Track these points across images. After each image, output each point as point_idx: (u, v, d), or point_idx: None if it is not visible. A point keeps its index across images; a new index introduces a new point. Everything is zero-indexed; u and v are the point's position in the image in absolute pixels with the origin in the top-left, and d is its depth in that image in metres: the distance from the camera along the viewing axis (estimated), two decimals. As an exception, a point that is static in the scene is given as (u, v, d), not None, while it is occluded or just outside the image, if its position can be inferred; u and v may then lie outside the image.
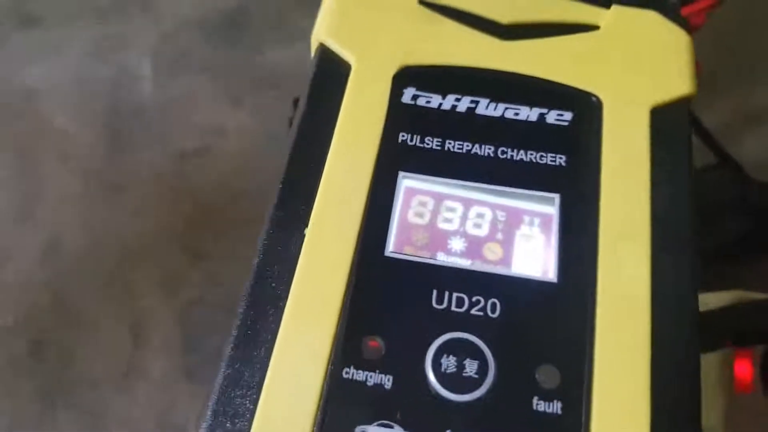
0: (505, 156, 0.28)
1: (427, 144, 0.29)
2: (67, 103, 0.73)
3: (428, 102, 0.30)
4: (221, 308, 0.57)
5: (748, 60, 0.67)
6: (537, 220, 0.27)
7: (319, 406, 0.24)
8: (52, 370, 0.58)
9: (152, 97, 0.72)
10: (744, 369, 0.45)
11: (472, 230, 0.28)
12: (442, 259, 0.27)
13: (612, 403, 0.23)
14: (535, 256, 0.27)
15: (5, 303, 0.60)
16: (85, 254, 0.64)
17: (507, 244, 0.27)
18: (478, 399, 0.24)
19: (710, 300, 0.51)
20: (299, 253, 0.26)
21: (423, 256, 0.27)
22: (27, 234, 0.65)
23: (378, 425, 0.23)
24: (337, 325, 0.25)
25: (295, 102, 0.32)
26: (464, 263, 0.27)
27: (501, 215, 0.28)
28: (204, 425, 0.24)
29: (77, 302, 0.61)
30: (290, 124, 0.31)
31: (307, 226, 0.27)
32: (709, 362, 0.49)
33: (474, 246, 0.27)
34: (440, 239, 0.27)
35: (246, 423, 0.23)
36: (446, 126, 0.29)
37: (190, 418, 0.55)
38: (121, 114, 0.73)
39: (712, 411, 0.48)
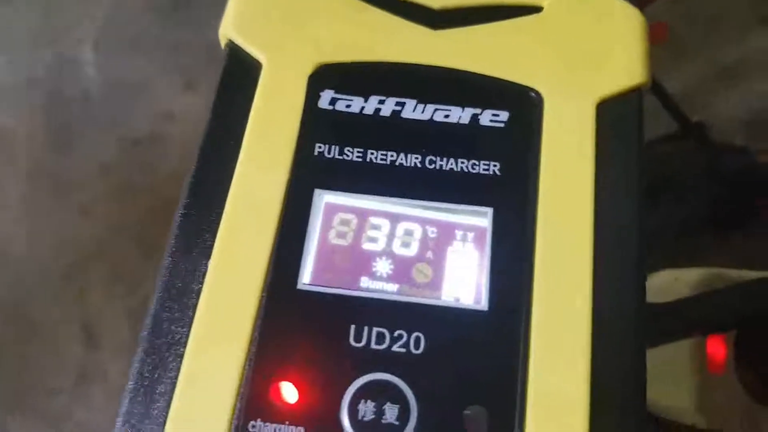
0: (433, 166, 0.25)
1: (347, 156, 0.26)
2: (4, 97, 0.68)
3: (348, 106, 0.26)
4: None
5: (713, 21, 0.63)
6: (470, 238, 0.25)
7: None
8: (6, 379, 0.56)
9: (97, 84, 0.67)
10: (717, 349, 0.44)
11: (399, 250, 0.25)
12: (365, 285, 0.24)
13: None
14: (465, 280, 0.24)
15: None
16: (34, 260, 0.61)
17: (438, 264, 0.25)
18: None
19: (682, 276, 0.49)
20: (202, 285, 0.24)
21: (341, 286, 0.24)
22: None
23: None
24: (243, 371, 0.22)
25: None
26: (390, 289, 0.24)
27: (432, 231, 0.25)
28: None
29: (29, 310, 0.59)
30: None
31: (210, 255, 0.24)
32: (682, 342, 0.47)
33: (402, 268, 0.25)
34: (364, 262, 0.25)
35: None
36: (368, 134, 0.26)
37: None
38: (65, 105, 0.68)
39: (684, 392, 0.47)
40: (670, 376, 0.48)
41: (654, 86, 0.43)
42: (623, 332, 0.23)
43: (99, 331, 0.57)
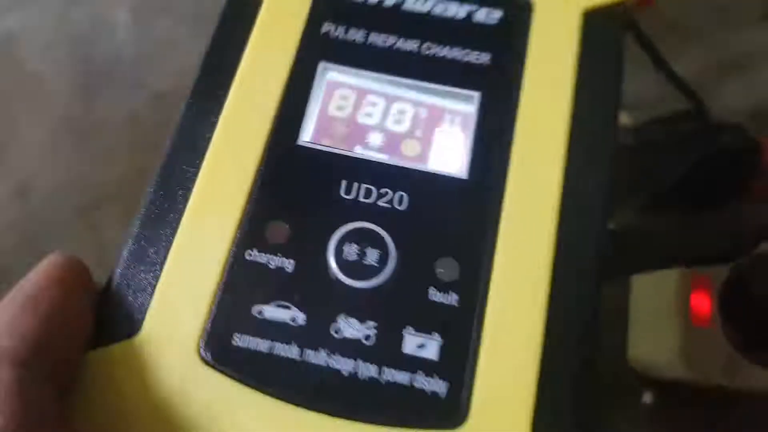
0: (429, 51, 0.28)
1: (351, 36, 0.28)
2: (42, 48, 0.70)
3: None
4: None
5: (720, 12, 0.65)
6: (456, 118, 0.27)
7: (219, 285, 0.24)
8: None
9: (129, 42, 0.69)
10: (702, 302, 0.45)
11: (392, 126, 0.27)
12: (357, 152, 0.27)
13: (508, 298, 0.24)
14: (448, 153, 0.27)
15: None
16: (54, 198, 0.62)
17: (425, 140, 0.27)
18: (376, 286, 0.24)
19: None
20: (211, 137, 0.26)
21: (337, 147, 0.27)
22: None
23: (275, 306, 0.24)
24: (244, 209, 0.25)
25: None
26: (379, 157, 0.27)
27: (422, 112, 0.28)
28: (108, 293, 0.24)
29: (44, 241, 0.61)
30: None
31: (220, 113, 0.27)
32: (665, 292, 0.48)
33: (392, 141, 0.27)
34: (359, 133, 0.27)
35: (147, 297, 0.24)
36: (372, 19, 0.29)
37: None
38: (97, 59, 0.70)
39: (669, 345, 0.47)
40: (654, 331, 0.48)
41: (658, 62, 0.45)
42: (588, 212, 0.25)
43: (111, 262, 0.59)
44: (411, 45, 0.28)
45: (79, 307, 0.23)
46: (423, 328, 0.24)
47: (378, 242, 0.25)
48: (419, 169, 0.26)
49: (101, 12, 0.70)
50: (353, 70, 0.28)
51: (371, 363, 0.23)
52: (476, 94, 0.27)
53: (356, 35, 0.28)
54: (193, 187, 0.25)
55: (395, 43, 0.28)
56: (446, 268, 0.24)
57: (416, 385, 0.23)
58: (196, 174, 0.25)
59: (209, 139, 0.26)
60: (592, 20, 0.29)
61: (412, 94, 0.28)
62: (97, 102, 0.66)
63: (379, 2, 0.29)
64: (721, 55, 0.62)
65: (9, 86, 0.67)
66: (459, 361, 0.23)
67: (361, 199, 0.25)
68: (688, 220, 0.39)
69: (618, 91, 0.28)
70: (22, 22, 0.70)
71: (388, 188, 0.26)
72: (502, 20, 0.29)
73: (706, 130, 0.47)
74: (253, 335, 0.23)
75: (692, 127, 0.50)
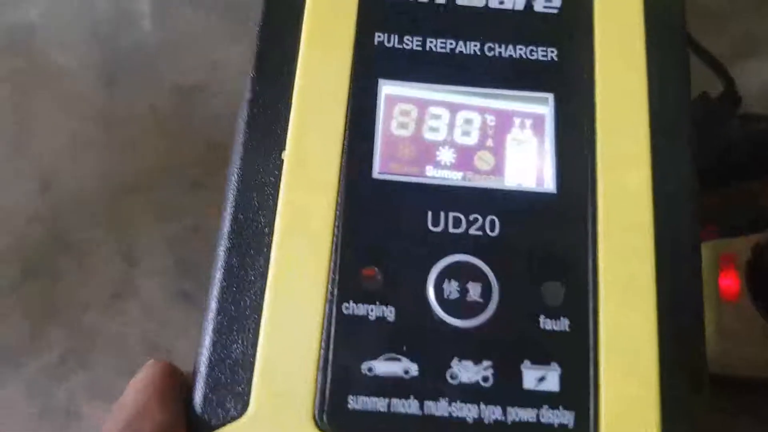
0: (492, 53, 0.26)
1: (407, 44, 0.26)
2: (64, 39, 0.66)
3: None
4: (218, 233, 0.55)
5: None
6: (530, 124, 0.26)
7: (321, 346, 0.22)
8: (42, 293, 0.56)
9: (152, 33, 0.65)
10: (730, 280, 0.46)
11: (460, 139, 0.26)
12: (431, 174, 0.25)
13: (619, 314, 0.23)
14: (530, 165, 0.25)
15: None
16: (79, 189, 0.60)
17: (499, 152, 0.25)
18: (485, 323, 0.23)
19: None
20: (279, 181, 0.24)
21: (412, 174, 0.25)
22: (21, 169, 0.60)
23: (385, 359, 0.22)
24: (331, 258, 0.23)
25: None
26: (455, 177, 0.25)
27: (491, 120, 0.26)
28: (202, 376, 0.22)
29: (70, 232, 0.58)
30: None
31: (283, 149, 0.24)
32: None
33: (464, 156, 0.25)
34: (427, 151, 0.25)
35: (247, 372, 0.22)
36: (426, 21, 0.26)
37: (179, 341, 0.54)
38: (120, 50, 0.66)
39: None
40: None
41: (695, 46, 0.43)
42: (681, 208, 0.24)
43: (137, 253, 0.56)
44: (472, 47, 0.26)
45: (177, 415, 0.22)
46: (540, 359, 0.23)
47: (478, 275, 0.23)
48: (506, 188, 0.25)
49: (124, 3, 0.66)
50: (415, 85, 0.25)
51: (494, 405, 0.22)
52: (549, 96, 0.25)
53: (412, 43, 0.26)
54: (270, 243, 0.23)
55: (455, 48, 0.26)
56: (553, 293, 0.23)
57: (543, 420, 0.22)
58: (271, 226, 0.23)
59: (275, 184, 0.24)
60: None
61: (481, 102, 0.26)
62: (120, 94, 0.63)
63: (430, 1, 0.26)
64: (747, 38, 0.60)
65: (31, 79, 0.63)
66: (582, 388, 0.23)
67: (452, 230, 0.24)
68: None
69: (689, 70, 0.27)
70: (45, 14, 0.66)
71: (477, 214, 0.24)
72: (563, 7, 0.26)
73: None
74: (368, 394, 0.22)
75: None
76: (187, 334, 0.54)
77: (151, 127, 0.63)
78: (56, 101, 0.64)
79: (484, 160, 0.25)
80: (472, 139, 0.26)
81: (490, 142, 0.26)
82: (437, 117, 0.26)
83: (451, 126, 0.26)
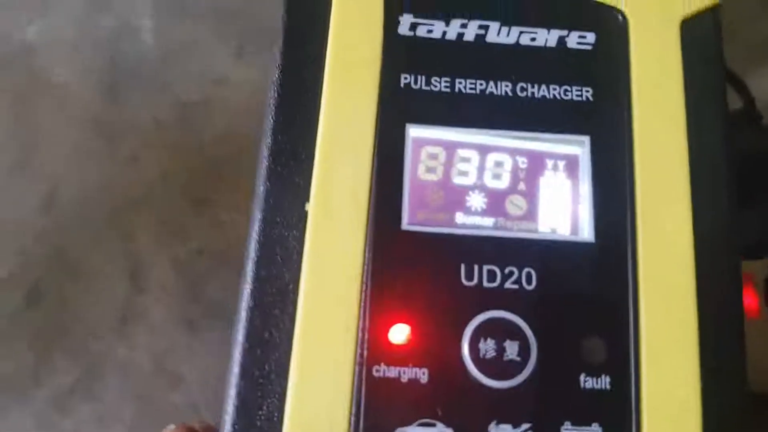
0: (524, 94, 0.25)
1: (435, 86, 0.24)
2: (66, 55, 0.65)
3: (430, 31, 0.25)
4: (223, 257, 0.54)
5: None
6: (566, 168, 0.24)
7: (351, 411, 0.21)
8: (49, 317, 0.55)
9: (153, 47, 0.64)
10: (749, 298, 0.45)
11: (491, 182, 0.24)
12: (461, 222, 0.24)
13: (662, 371, 0.22)
14: (567, 212, 0.24)
15: (1, 253, 0.55)
16: (83, 205, 0.59)
17: (532, 196, 0.24)
18: (523, 383, 0.22)
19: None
20: (303, 234, 0.23)
21: (442, 223, 0.23)
22: (24, 185, 0.60)
23: (419, 425, 0.21)
24: (359, 318, 0.22)
25: None
26: (487, 224, 0.24)
27: (523, 163, 0.25)
28: None
29: (75, 252, 0.57)
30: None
31: (307, 200, 0.23)
32: None
33: (495, 201, 0.24)
34: (457, 197, 0.24)
35: None
36: (454, 61, 0.25)
37: (187, 365, 0.53)
38: (121, 65, 0.66)
39: None
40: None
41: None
42: (724, 254, 0.23)
43: (143, 274, 0.56)
44: (503, 88, 0.25)
45: None
46: (581, 420, 0.22)
47: (515, 332, 0.22)
48: (541, 237, 0.23)
49: (124, 17, 0.65)
50: (445, 129, 0.24)
51: None
52: (586, 139, 0.24)
53: (440, 84, 0.24)
54: (296, 300, 0.22)
55: (485, 88, 0.25)
56: (593, 349, 0.22)
57: None
58: (296, 283, 0.22)
59: (299, 237, 0.23)
60: (690, 29, 0.26)
61: (513, 145, 0.24)
62: (122, 106, 0.62)
63: (459, 37, 0.25)
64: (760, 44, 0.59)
65: (34, 93, 0.63)
66: None
67: (486, 284, 0.23)
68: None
69: (727, 107, 0.26)
70: (46, 29, 0.66)
71: (513, 266, 0.23)
72: (597, 43, 0.25)
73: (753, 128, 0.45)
74: None
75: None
76: (193, 359, 0.53)
77: (154, 141, 0.62)
78: (58, 115, 0.63)
79: (516, 204, 0.24)
80: (503, 183, 0.24)
81: (522, 186, 0.24)
82: (466, 160, 0.24)
83: (481, 169, 0.24)
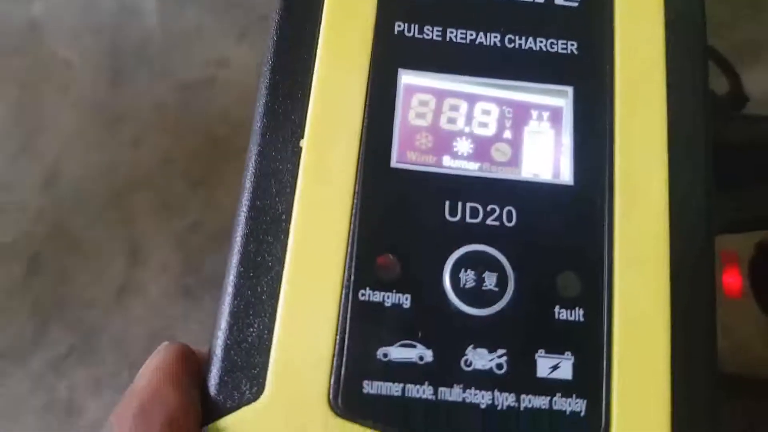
0: (513, 45, 0.26)
1: (427, 34, 0.26)
2: (70, 35, 0.67)
3: None
4: (221, 232, 0.56)
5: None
6: (549, 117, 0.26)
7: (337, 331, 0.23)
8: (47, 288, 0.57)
9: (156, 29, 0.66)
10: (733, 278, 0.46)
11: (478, 130, 0.26)
12: (448, 164, 0.25)
13: (633, 305, 0.23)
14: (549, 158, 0.25)
15: (2, 227, 0.57)
16: (84, 183, 0.61)
17: (516, 143, 0.26)
18: (500, 312, 0.23)
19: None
20: (297, 169, 0.24)
21: (429, 164, 0.25)
22: (27, 164, 0.61)
23: (400, 345, 0.23)
24: (347, 246, 0.23)
25: None
26: (472, 167, 0.25)
27: (508, 111, 0.26)
28: (218, 359, 0.23)
29: (75, 228, 0.59)
30: None
31: (302, 137, 0.24)
32: None
33: (481, 147, 0.25)
34: (445, 142, 0.25)
35: (263, 356, 0.22)
36: (447, 11, 0.26)
37: (183, 334, 0.54)
38: (125, 47, 0.67)
39: None
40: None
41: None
42: (696, 200, 0.25)
43: (142, 250, 0.58)
44: (492, 39, 0.26)
45: (191, 398, 0.22)
46: (554, 349, 0.23)
47: (494, 265, 0.24)
48: (523, 179, 0.25)
49: (127, 0, 0.67)
50: (435, 75, 0.25)
51: (508, 392, 0.22)
52: (569, 89, 0.26)
53: (433, 33, 0.26)
54: (288, 228, 0.23)
55: (475, 39, 0.26)
56: (568, 284, 0.24)
57: (555, 407, 0.22)
58: (288, 213, 0.24)
59: (293, 171, 0.24)
60: None
61: (500, 94, 0.26)
62: (124, 88, 0.64)
63: None
64: (747, 42, 0.60)
65: (37, 74, 0.65)
66: (594, 377, 0.23)
67: (469, 220, 0.24)
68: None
69: (707, 64, 0.27)
70: (49, 11, 0.67)
71: (495, 204, 0.24)
72: (583, 1, 0.27)
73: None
74: (383, 380, 0.22)
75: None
76: (189, 329, 0.55)
77: (156, 123, 0.64)
78: (61, 97, 0.65)
79: (501, 151, 0.26)
80: (490, 131, 0.26)
81: (507, 134, 0.26)
82: (455, 108, 0.26)
83: (469, 117, 0.26)
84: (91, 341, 0.55)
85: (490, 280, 0.23)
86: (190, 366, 0.23)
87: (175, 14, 0.68)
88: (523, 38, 0.26)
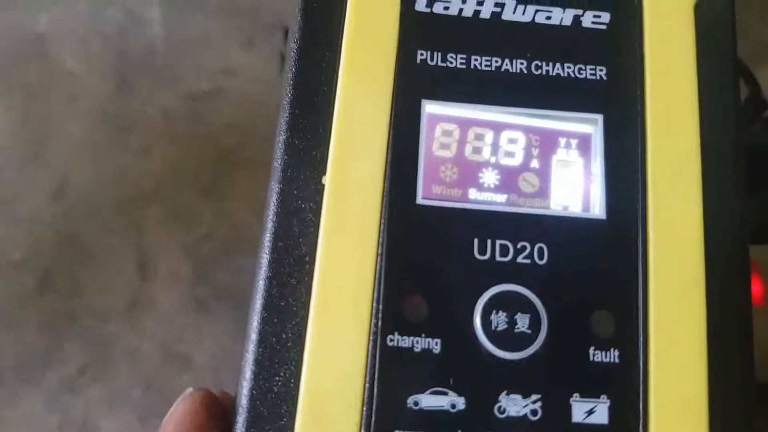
0: (539, 72, 0.25)
1: (451, 63, 0.25)
2: (76, 46, 0.66)
3: (446, 8, 0.25)
4: (232, 242, 0.55)
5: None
6: (578, 146, 0.25)
7: (365, 379, 0.22)
8: (58, 303, 0.56)
9: (162, 39, 0.65)
10: (755, 285, 0.45)
11: (505, 160, 0.25)
12: (474, 197, 0.24)
13: (669, 346, 0.23)
14: (579, 190, 0.24)
15: (13, 239, 0.56)
16: (93, 194, 0.60)
17: (544, 175, 0.25)
18: (533, 355, 0.22)
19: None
20: (320, 207, 0.23)
21: (455, 198, 0.24)
22: (36, 175, 0.61)
23: (431, 393, 0.22)
24: (374, 288, 0.23)
25: (285, 33, 0.27)
26: (499, 200, 0.24)
27: (536, 141, 0.25)
28: (244, 409, 0.22)
29: (85, 240, 0.58)
30: (282, 59, 0.26)
31: (324, 173, 0.23)
32: None
33: (508, 178, 0.25)
34: (470, 173, 0.24)
35: (290, 405, 0.22)
36: (470, 38, 0.25)
37: (196, 348, 0.54)
38: (131, 56, 0.66)
39: None
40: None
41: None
42: (733, 237, 0.24)
43: (152, 262, 0.57)
44: (518, 65, 0.25)
45: None
46: (589, 392, 0.22)
47: (526, 305, 0.23)
48: (553, 213, 0.24)
49: (134, 9, 0.66)
50: (460, 105, 0.24)
51: None
52: (599, 117, 0.25)
53: (456, 61, 0.25)
54: (312, 271, 0.23)
55: (500, 66, 0.25)
56: (602, 323, 0.23)
57: None
58: (312, 254, 0.23)
59: (316, 210, 0.23)
60: (705, 12, 0.26)
61: (527, 123, 0.25)
62: (131, 98, 0.63)
63: (475, 14, 0.25)
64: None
65: (44, 84, 0.64)
66: (631, 421, 0.22)
67: (499, 258, 0.23)
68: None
69: (738, 88, 0.26)
70: (55, 21, 0.66)
71: (525, 242, 0.23)
72: (611, 23, 0.25)
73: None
74: (414, 429, 0.22)
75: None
76: (202, 341, 0.54)
77: (163, 132, 0.63)
78: (68, 107, 0.64)
79: (528, 182, 0.25)
80: (517, 160, 0.25)
81: (534, 163, 0.25)
82: (480, 137, 0.25)
83: (495, 146, 0.25)
84: (103, 356, 0.54)
85: (522, 322, 0.23)
86: (216, 413, 0.22)
87: (181, 23, 0.66)
88: (550, 64, 0.25)
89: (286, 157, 0.24)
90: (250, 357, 0.22)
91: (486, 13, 0.25)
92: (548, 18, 0.25)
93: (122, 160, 0.61)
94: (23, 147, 0.62)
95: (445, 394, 0.22)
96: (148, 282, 0.56)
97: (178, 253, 0.57)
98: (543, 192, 0.24)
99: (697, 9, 0.26)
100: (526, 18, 0.25)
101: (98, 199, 0.60)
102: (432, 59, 0.25)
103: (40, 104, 0.64)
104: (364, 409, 0.22)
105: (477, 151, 0.25)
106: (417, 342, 0.22)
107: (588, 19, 0.25)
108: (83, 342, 0.55)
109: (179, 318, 0.55)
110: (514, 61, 0.25)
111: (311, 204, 0.23)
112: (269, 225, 0.23)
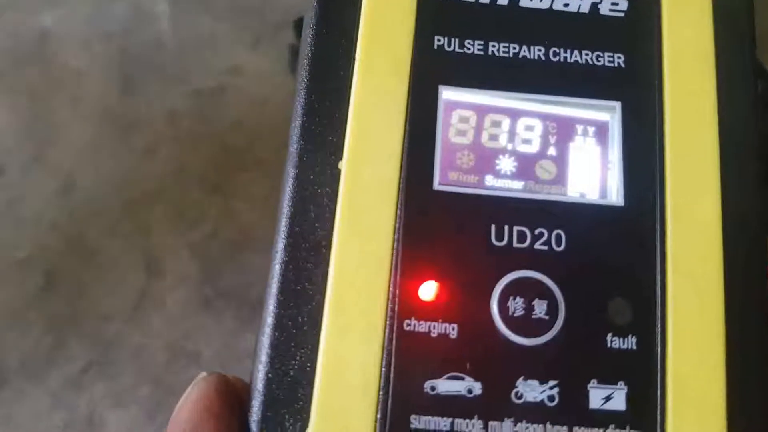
0: (557, 58, 0.25)
1: (468, 49, 0.25)
2: (81, 45, 0.66)
3: None
4: (239, 241, 0.55)
5: None
6: (596, 133, 0.25)
7: (382, 364, 0.22)
8: (64, 302, 0.56)
9: (168, 37, 0.65)
10: None
11: (522, 147, 0.25)
12: (491, 184, 0.24)
13: (687, 332, 0.22)
14: (596, 177, 0.24)
15: (18, 239, 0.56)
16: (98, 194, 0.60)
17: (561, 162, 0.25)
18: (551, 341, 0.22)
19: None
20: (336, 192, 0.23)
21: (472, 184, 0.24)
22: (40, 175, 0.61)
23: (448, 378, 0.22)
24: (391, 273, 0.22)
25: (296, 25, 0.27)
26: (516, 186, 0.24)
27: (553, 128, 0.25)
28: (260, 393, 0.22)
29: (91, 239, 0.58)
30: (292, 51, 0.26)
31: (341, 158, 0.23)
32: None
33: (525, 165, 0.24)
34: (487, 160, 0.24)
35: (307, 389, 0.22)
36: (488, 24, 0.25)
37: (203, 346, 0.54)
38: (137, 54, 0.66)
39: None
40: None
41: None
42: (752, 225, 0.24)
43: (159, 261, 0.57)
44: (536, 52, 0.25)
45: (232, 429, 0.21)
46: (607, 379, 0.22)
47: (544, 292, 0.23)
48: (572, 200, 0.24)
49: (140, 6, 0.66)
50: (477, 91, 0.24)
51: (560, 425, 0.22)
52: (617, 104, 0.24)
53: (474, 47, 0.25)
54: (328, 256, 0.22)
55: (518, 52, 0.25)
56: (620, 310, 0.23)
57: None
58: (329, 239, 0.23)
59: (332, 195, 0.23)
60: (723, 1, 0.26)
61: (544, 109, 0.25)
62: (137, 97, 0.63)
63: (492, 1, 0.25)
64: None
65: (49, 83, 0.64)
66: (649, 408, 0.22)
67: (516, 245, 0.23)
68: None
69: (756, 75, 0.26)
70: (60, 20, 0.66)
71: (543, 228, 0.23)
72: (629, 11, 0.25)
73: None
74: (431, 414, 0.21)
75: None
76: (210, 340, 0.54)
77: (169, 132, 0.63)
78: (73, 107, 0.64)
79: (545, 169, 0.25)
80: (534, 147, 0.25)
81: (552, 151, 0.25)
82: (497, 124, 0.25)
83: (512, 133, 0.25)
84: (109, 355, 0.54)
85: (540, 308, 0.22)
86: (230, 398, 0.22)
87: (187, 22, 0.66)
88: (568, 51, 0.25)
89: (302, 142, 0.24)
90: (266, 341, 0.22)
91: (504, 0, 0.25)
92: (566, 5, 0.25)
93: (127, 159, 0.61)
94: (27, 148, 0.62)
95: (462, 379, 0.22)
96: (154, 281, 0.56)
97: (185, 251, 0.57)
98: (560, 179, 0.24)
99: None
100: (544, 5, 0.25)
101: (104, 199, 0.59)
102: (449, 45, 0.25)
103: (44, 105, 0.64)
104: (381, 393, 0.21)
105: (494, 137, 0.25)
106: (434, 327, 0.22)
107: (606, 6, 0.25)
108: (89, 340, 0.55)
109: (186, 316, 0.55)
110: (532, 47, 0.25)
111: (327, 189, 0.23)
112: (285, 210, 0.23)
